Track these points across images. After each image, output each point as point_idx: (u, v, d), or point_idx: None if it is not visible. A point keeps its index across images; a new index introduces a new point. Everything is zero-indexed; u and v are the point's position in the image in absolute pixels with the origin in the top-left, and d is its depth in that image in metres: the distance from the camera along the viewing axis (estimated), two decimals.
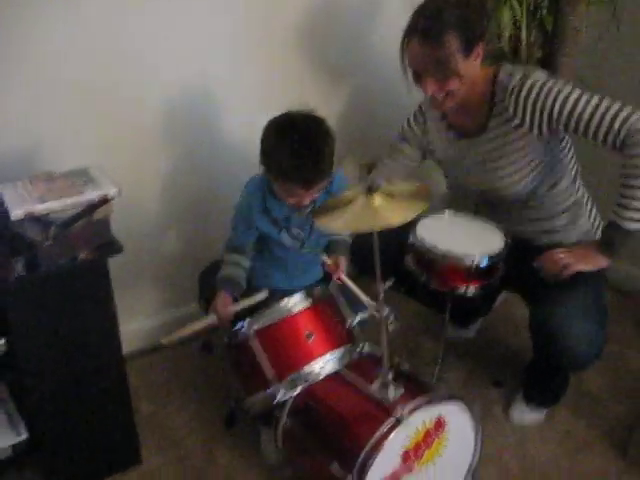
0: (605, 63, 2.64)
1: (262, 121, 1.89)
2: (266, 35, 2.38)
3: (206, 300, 2.17)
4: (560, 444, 2.19)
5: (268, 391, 1.63)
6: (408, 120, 2.24)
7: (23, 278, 1.63)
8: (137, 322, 2.51)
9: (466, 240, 2.05)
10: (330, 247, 2.04)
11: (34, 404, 1.84)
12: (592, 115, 1.81)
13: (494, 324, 2.73)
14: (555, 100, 1.85)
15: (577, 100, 1.83)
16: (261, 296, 1.96)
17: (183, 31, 2.20)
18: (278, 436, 1.87)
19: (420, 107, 2.21)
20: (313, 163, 1.80)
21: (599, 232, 2.16)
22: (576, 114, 1.82)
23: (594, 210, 2.19)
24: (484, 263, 1.95)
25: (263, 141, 1.86)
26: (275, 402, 1.64)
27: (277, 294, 1.96)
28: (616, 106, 1.80)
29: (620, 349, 2.59)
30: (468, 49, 1.85)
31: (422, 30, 1.82)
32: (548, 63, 2.51)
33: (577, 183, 2.14)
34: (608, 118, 1.79)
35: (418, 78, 1.92)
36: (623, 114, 1.78)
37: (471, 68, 1.89)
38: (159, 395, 2.38)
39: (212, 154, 2.41)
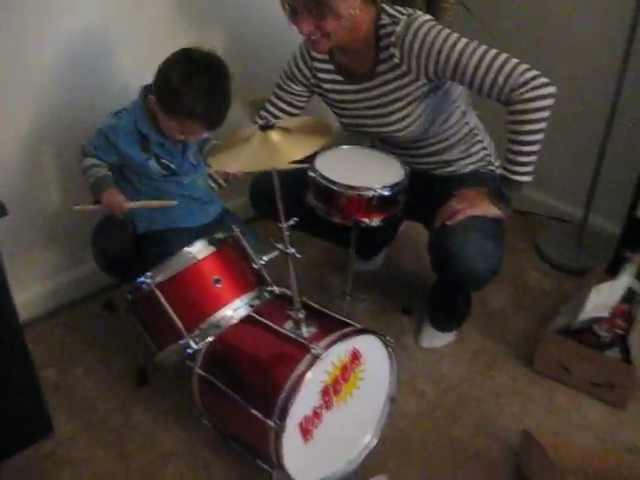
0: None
1: (145, 64, 1.80)
2: None
3: (103, 257, 2.09)
4: (471, 363, 2.27)
5: (180, 342, 1.57)
6: (295, 58, 2.14)
7: None
8: (33, 288, 2.39)
9: (366, 172, 2.05)
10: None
11: None
12: (477, 67, 1.79)
13: (397, 254, 2.76)
14: (440, 51, 1.82)
15: (462, 51, 1.80)
16: (169, 203, 1.91)
17: None
18: (194, 388, 1.84)
19: (306, 45, 2.11)
20: (220, 105, 1.82)
21: (493, 157, 2.20)
22: (462, 65, 1.80)
23: (487, 137, 2.22)
24: (386, 194, 1.95)
25: (164, 79, 1.79)
26: (189, 352, 1.60)
27: (171, 233, 1.95)
28: (501, 58, 1.78)
29: (519, 267, 2.68)
30: None
31: None
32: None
33: (468, 113, 2.15)
34: (493, 71, 1.77)
35: (294, 15, 1.81)
36: (507, 67, 1.77)
37: (350, 8, 1.80)
38: (64, 360, 2.28)
39: (93, 102, 2.26)
